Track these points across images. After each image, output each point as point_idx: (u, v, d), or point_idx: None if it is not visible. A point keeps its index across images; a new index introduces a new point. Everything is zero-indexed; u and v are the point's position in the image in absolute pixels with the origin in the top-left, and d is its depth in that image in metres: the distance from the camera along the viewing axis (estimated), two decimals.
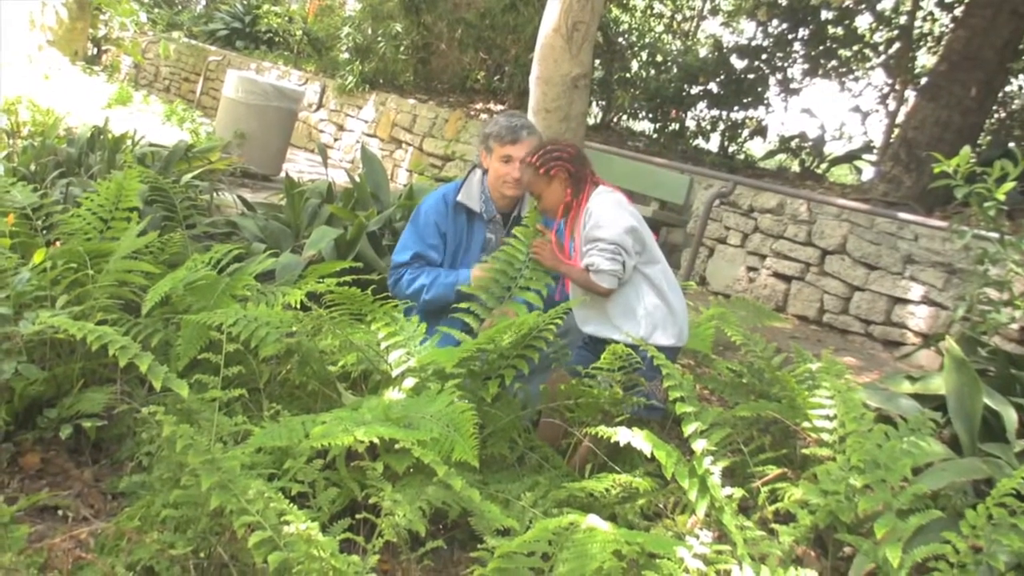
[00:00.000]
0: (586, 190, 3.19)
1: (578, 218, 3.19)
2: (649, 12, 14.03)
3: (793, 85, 11.73)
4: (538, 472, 2.88)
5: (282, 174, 7.96)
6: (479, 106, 12.31)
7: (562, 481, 2.74)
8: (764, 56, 11.57)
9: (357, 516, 2.24)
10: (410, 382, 2.77)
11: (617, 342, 2.89)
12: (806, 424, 3.05)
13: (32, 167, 5.23)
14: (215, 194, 5.66)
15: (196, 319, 2.79)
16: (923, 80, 10.01)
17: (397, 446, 2.33)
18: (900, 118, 10.39)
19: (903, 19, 11.10)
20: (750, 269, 7.99)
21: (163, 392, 2.51)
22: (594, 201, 3.17)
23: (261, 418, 2.56)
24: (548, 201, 3.22)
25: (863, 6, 11.05)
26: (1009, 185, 3.76)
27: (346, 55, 13.10)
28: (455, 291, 3.30)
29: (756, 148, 12.34)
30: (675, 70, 12.02)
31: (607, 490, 2.61)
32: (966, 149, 3.86)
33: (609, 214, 3.12)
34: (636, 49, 12.71)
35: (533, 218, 3.29)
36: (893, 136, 10.17)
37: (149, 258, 3.39)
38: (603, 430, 2.57)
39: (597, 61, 11.78)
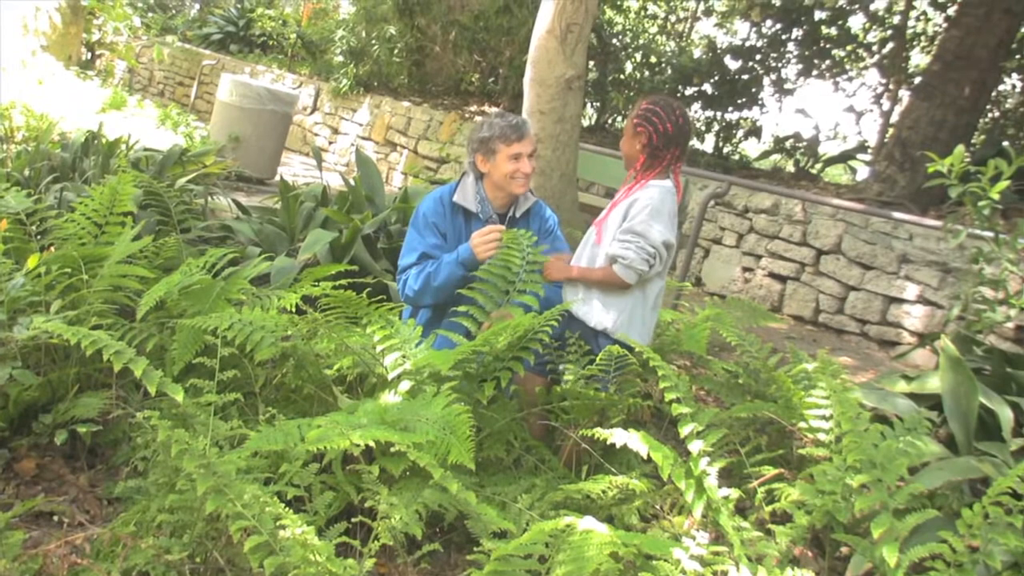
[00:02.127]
0: (655, 170, 3.14)
1: (628, 192, 3.16)
2: (643, 13, 14.07)
3: (787, 85, 11.77)
4: (535, 474, 2.88)
5: (277, 178, 7.96)
6: (474, 108, 12.31)
7: (559, 483, 2.73)
8: (758, 57, 11.60)
9: (353, 520, 2.25)
10: (406, 385, 2.76)
11: (585, 323, 3.12)
12: (802, 424, 3.05)
13: (26, 172, 5.23)
14: (210, 198, 5.66)
15: (191, 323, 2.78)
16: (917, 80, 10.05)
17: (393, 449, 2.32)
18: (894, 118, 10.42)
19: (896, 19, 11.14)
20: (745, 269, 8.00)
21: (158, 397, 2.51)
22: (656, 195, 3.09)
23: (257, 422, 2.56)
24: (623, 147, 3.25)
25: (856, 6, 11.07)
26: (1003, 184, 3.77)
27: (340, 58, 13.10)
28: (460, 265, 3.28)
29: (751, 149, 12.39)
30: (669, 71, 12.05)
31: (604, 492, 2.61)
32: (960, 148, 3.87)
33: (664, 219, 3.08)
34: (630, 50, 12.74)
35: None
36: (887, 136, 10.20)
37: (144, 262, 3.39)
38: (599, 432, 2.57)
39: (591, 63, 11.81)
